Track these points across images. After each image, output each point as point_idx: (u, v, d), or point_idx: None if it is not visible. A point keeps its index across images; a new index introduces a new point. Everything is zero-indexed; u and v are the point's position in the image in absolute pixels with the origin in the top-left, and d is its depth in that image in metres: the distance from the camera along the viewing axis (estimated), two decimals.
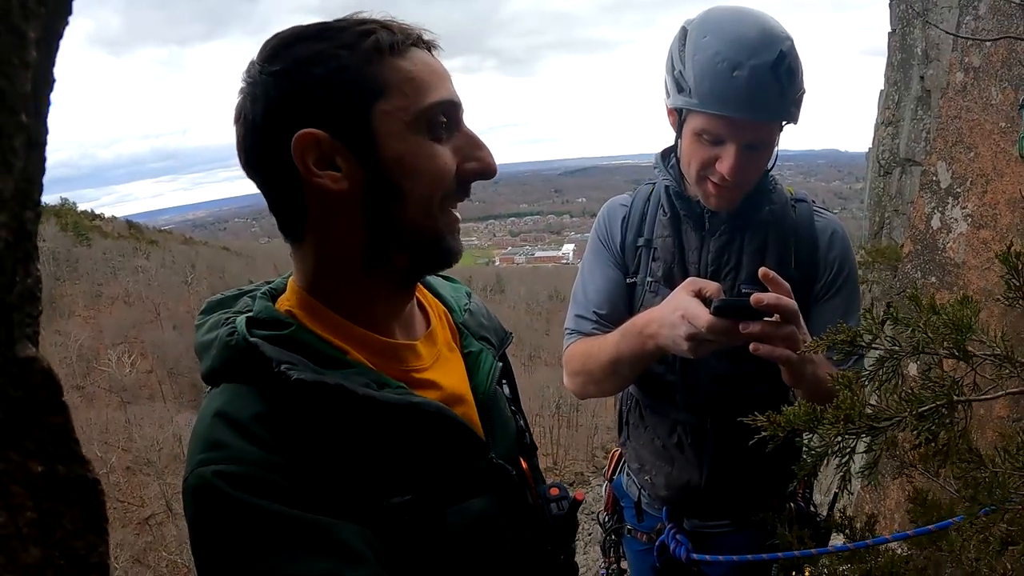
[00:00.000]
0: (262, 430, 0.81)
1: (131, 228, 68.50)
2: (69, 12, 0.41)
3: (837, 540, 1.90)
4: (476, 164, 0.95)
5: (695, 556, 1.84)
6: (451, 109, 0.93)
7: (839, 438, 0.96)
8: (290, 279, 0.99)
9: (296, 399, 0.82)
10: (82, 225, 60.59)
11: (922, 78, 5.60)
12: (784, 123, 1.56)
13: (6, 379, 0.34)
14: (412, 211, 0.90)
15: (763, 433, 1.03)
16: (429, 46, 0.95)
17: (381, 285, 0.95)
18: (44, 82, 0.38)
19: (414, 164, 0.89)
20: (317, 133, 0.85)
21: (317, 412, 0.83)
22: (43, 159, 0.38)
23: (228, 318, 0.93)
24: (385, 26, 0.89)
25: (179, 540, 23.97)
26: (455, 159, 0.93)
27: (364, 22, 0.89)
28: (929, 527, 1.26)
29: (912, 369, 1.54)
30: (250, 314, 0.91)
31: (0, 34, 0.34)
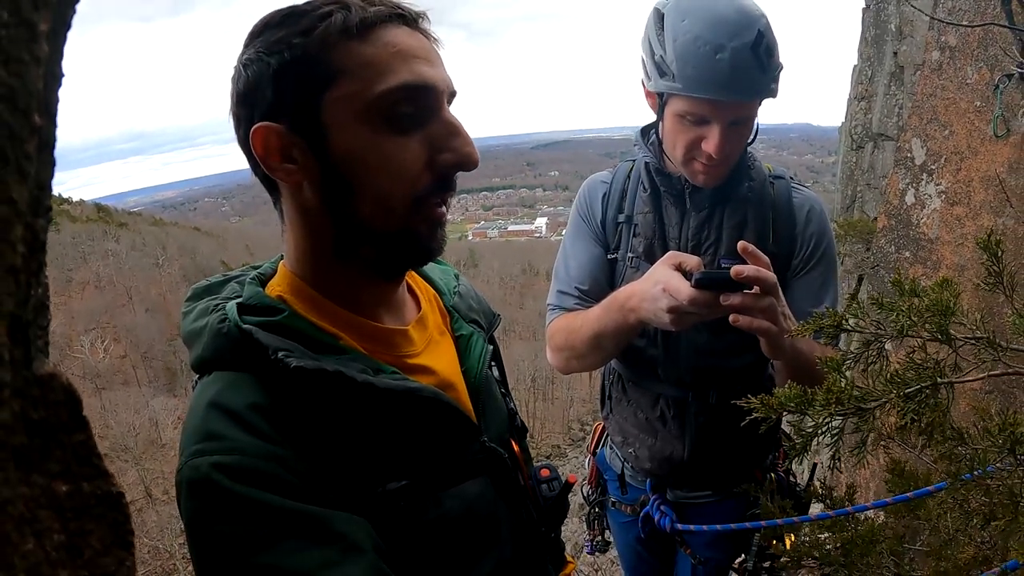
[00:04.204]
0: (259, 419, 0.79)
1: (100, 211, 67.00)
2: None
3: (816, 509, 1.96)
4: (450, 155, 0.86)
5: (679, 526, 1.88)
6: (418, 94, 0.84)
7: (829, 419, 0.98)
8: (280, 262, 0.97)
9: (292, 387, 0.81)
10: None
11: (895, 54, 5.65)
12: (764, 99, 1.58)
13: (27, 401, 0.32)
14: (369, 209, 0.85)
15: (755, 415, 1.05)
16: (410, 20, 0.86)
17: (359, 273, 0.93)
18: (53, 77, 0.35)
19: (365, 160, 0.83)
20: (273, 127, 0.83)
21: (314, 399, 0.82)
22: (52, 161, 0.35)
23: (217, 305, 0.91)
24: (347, 6, 0.83)
25: (159, 526, 23.82)
26: (425, 151, 0.85)
27: (328, 3, 0.83)
28: (908, 495, 1.30)
29: (887, 344, 1.59)
30: (240, 300, 0.89)
31: (10, 27, 0.31)
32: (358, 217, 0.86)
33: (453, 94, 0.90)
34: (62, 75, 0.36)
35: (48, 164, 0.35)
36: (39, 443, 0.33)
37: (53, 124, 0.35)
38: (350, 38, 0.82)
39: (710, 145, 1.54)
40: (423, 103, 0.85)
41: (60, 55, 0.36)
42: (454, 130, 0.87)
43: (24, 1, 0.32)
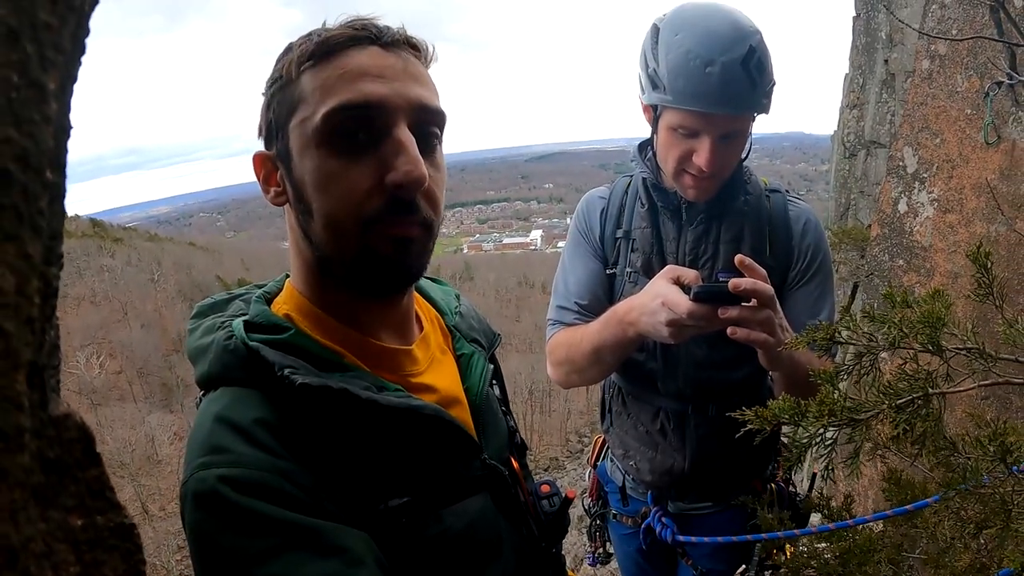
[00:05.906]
0: (264, 434, 0.80)
1: (95, 226, 67.03)
2: (83, 52, 0.39)
3: (816, 518, 1.97)
4: (393, 175, 0.83)
5: (680, 538, 1.89)
6: (364, 113, 0.83)
7: (822, 431, 0.99)
8: (287, 280, 0.99)
9: (298, 403, 0.82)
10: None
11: (886, 62, 5.71)
12: (756, 114, 1.60)
13: (44, 441, 0.33)
14: (320, 230, 0.86)
15: (750, 427, 1.06)
16: (381, 41, 0.86)
17: (352, 292, 0.93)
18: (62, 131, 0.37)
19: (314, 182, 0.84)
20: (265, 154, 0.91)
21: (319, 416, 0.83)
22: (63, 211, 0.37)
23: (224, 322, 0.92)
24: (317, 33, 0.86)
25: (156, 542, 23.64)
26: (375, 172, 0.84)
27: (313, 33, 0.86)
28: (907, 507, 1.31)
29: (882, 354, 1.60)
30: (246, 318, 0.91)
31: (20, 89, 0.33)
32: (316, 239, 0.88)
33: (428, 110, 0.88)
34: (70, 127, 0.37)
35: (60, 215, 0.36)
36: (55, 480, 0.34)
37: (63, 177, 0.36)
38: (313, 65, 0.85)
39: (700, 158, 1.55)
40: (371, 122, 0.83)
41: (68, 109, 0.37)
42: (400, 148, 0.84)
43: (32, 63, 0.34)
